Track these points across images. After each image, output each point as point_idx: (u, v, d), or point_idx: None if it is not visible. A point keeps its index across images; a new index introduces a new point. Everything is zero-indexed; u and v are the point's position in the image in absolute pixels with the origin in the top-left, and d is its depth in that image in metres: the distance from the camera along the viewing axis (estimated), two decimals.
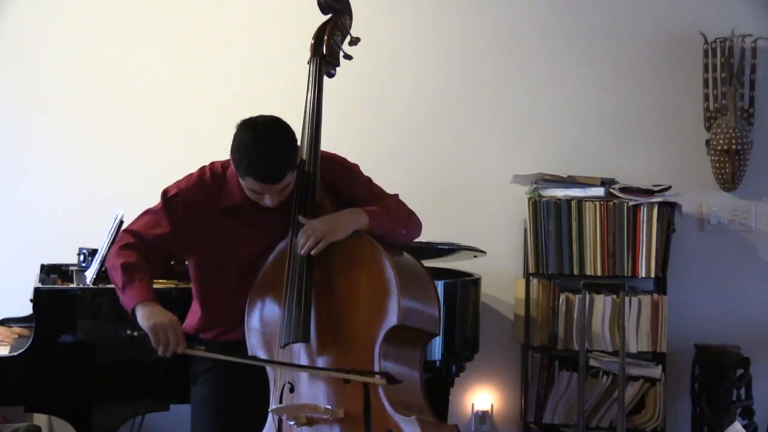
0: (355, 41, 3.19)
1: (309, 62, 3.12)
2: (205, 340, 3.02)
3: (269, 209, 2.92)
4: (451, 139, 4.62)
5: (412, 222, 3.05)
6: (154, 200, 4.38)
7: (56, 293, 3.52)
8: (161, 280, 3.90)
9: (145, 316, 2.80)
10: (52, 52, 4.51)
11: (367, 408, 2.73)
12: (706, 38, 4.49)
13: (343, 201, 3.01)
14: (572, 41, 4.61)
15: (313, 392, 2.80)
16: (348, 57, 3.19)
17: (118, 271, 2.87)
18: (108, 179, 4.51)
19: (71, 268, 3.98)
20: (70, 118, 4.52)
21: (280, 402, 2.83)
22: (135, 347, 3.44)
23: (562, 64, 4.61)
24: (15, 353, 3.39)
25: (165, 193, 3.00)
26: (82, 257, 3.89)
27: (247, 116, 2.90)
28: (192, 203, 2.95)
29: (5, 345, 3.56)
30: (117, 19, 4.52)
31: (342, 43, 3.17)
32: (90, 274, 3.59)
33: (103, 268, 3.56)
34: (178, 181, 3.02)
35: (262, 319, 2.91)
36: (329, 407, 2.74)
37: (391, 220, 2.96)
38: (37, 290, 3.44)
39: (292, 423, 2.77)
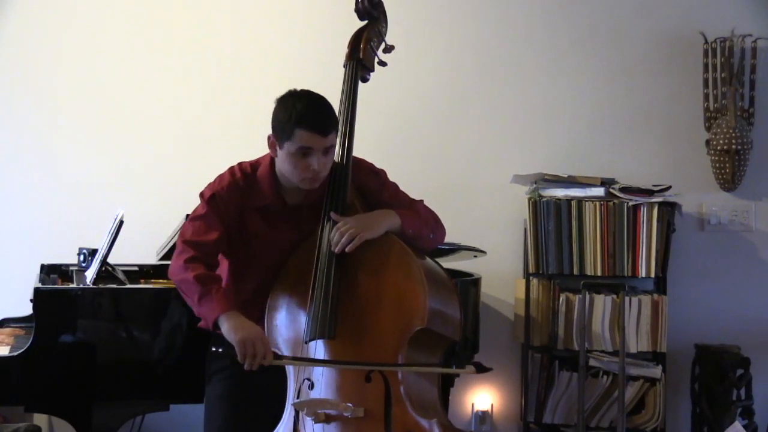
0: (389, 49, 3.26)
1: (345, 66, 3.17)
2: (221, 334, 3.00)
3: (299, 209, 2.97)
4: (451, 139, 4.61)
5: (439, 227, 3.11)
6: (154, 200, 4.44)
7: (56, 293, 3.52)
8: (161, 280, 3.91)
9: (231, 328, 2.77)
10: (52, 53, 4.50)
11: (387, 408, 2.74)
12: (706, 38, 4.49)
13: (371, 205, 3.04)
14: (572, 41, 4.61)
15: (333, 389, 2.80)
16: (382, 63, 3.26)
17: (192, 283, 2.83)
18: (108, 180, 4.51)
19: (71, 268, 3.98)
20: (70, 118, 4.51)
21: (298, 399, 2.83)
22: (135, 347, 3.44)
23: (563, 64, 4.61)
24: (15, 353, 3.39)
25: (203, 195, 2.99)
26: (82, 257, 3.89)
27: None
28: (229, 203, 2.96)
29: (5, 345, 3.56)
30: (117, 20, 4.52)
31: (378, 50, 3.24)
32: (90, 274, 3.59)
33: (103, 268, 3.58)
34: (211, 184, 3.02)
35: (286, 315, 2.92)
36: (350, 405, 2.75)
37: (421, 224, 3.02)
38: (37, 290, 3.44)
39: (310, 419, 2.77)
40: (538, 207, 4.31)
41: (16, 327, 3.82)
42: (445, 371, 2.76)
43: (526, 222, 4.39)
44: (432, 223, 3.08)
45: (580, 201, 4.30)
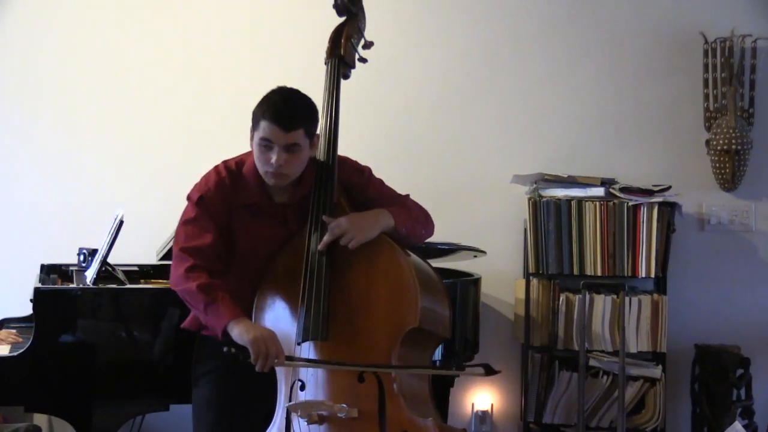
0: (368, 45, 3.22)
1: (326, 63, 3.14)
2: (209, 336, 2.98)
3: (285, 207, 2.95)
4: (451, 139, 4.62)
5: (429, 222, 3.11)
6: (154, 200, 4.43)
7: (56, 293, 3.52)
8: (161, 280, 3.91)
9: (243, 331, 2.75)
10: (51, 52, 4.51)
11: (381, 407, 2.74)
12: (706, 38, 4.49)
13: (356, 202, 3.03)
14: (572, 41, 4.61)
15: (325, 390, 2.80)
16: (363, 60, 3.22)
17: (196, 293, 2.82)
18: (108, 179, 4.51)
19: (71, 268, 3.98)
20: (69, 117, 4.52)
21: (290, 400, 2.82)
22: (135, 347, 3.44)
23: (562, 64, 4.61)
24: (15, 353, 3.39)
25: (191, 198, 2.97)
26: (82, 257, 3.88)
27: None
28: (216, 203, 2.94)
29: (5, 345, 3.56)
30: (115, 19, 4.52)
31: (357, 46, 3.20)
32: (90, 274, 3.59)
33: (103, 269, 3.58)
34: (198, 185, 3.00)
35: (275, 316, 2.90)
36: (344, 406, 2.74)
37: (413, 221, 3.01)
38: (37, 290, 3.44)
39: (303, 420, 2.76)
40: (538, 207, 4.31)
41: (17, 327, 3.81)
42: (454, 373, 2.74)
43: (526, 222, 4.39)
44: (423, 219, 3.07)
45: (580, 201, 4.30)
